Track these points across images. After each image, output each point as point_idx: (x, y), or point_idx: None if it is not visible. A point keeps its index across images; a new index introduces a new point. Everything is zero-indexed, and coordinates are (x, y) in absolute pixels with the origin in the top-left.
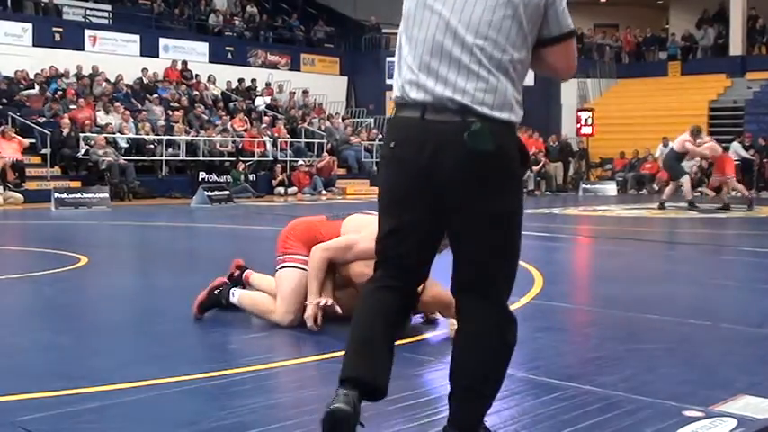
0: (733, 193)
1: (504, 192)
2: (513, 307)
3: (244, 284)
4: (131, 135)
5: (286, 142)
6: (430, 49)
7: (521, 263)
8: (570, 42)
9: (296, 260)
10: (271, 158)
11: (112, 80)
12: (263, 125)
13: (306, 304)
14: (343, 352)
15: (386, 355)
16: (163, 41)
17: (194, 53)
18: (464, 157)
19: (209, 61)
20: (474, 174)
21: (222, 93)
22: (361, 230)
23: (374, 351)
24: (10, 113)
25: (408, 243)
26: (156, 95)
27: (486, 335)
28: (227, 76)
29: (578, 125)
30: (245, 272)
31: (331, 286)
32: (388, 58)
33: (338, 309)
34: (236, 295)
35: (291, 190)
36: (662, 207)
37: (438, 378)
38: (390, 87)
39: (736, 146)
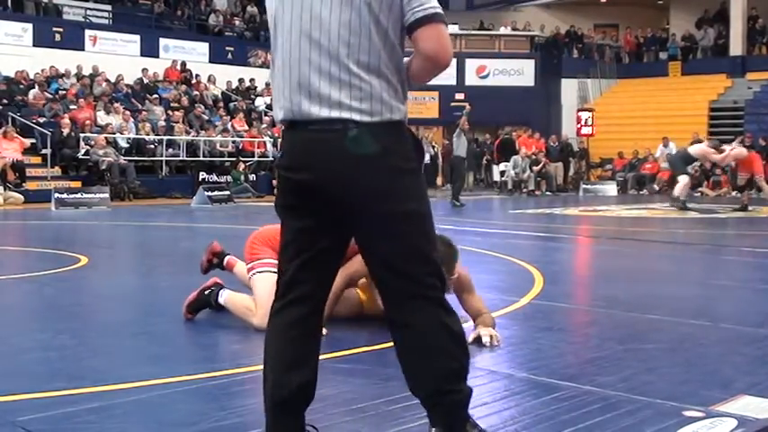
0: (754, 194)
1: (400, 190)
2: (513, 307)
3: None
4: (131, 135)
5: None
6: (297, 63)
7: (521, 263)
8: (436, 26)
9: (267, 264)
10: (271, 158)
11: (113, 80)
12: (264, 125)
13: None
14: (344, 352)
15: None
16: (163, 41)
17: (194, 53)
18: (349, 162)
19: (210, 61)
20: (363, 177)
21: (222, 93)
22: None
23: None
24: (10, 113)
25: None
26: (156, 95)
27: (433, 336)
28: (227, 76)
29: (578, 125)
30: (227, 258)
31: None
32: None
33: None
34: (224, 296)
35: None
36: (684, 208)
37: None
38: None
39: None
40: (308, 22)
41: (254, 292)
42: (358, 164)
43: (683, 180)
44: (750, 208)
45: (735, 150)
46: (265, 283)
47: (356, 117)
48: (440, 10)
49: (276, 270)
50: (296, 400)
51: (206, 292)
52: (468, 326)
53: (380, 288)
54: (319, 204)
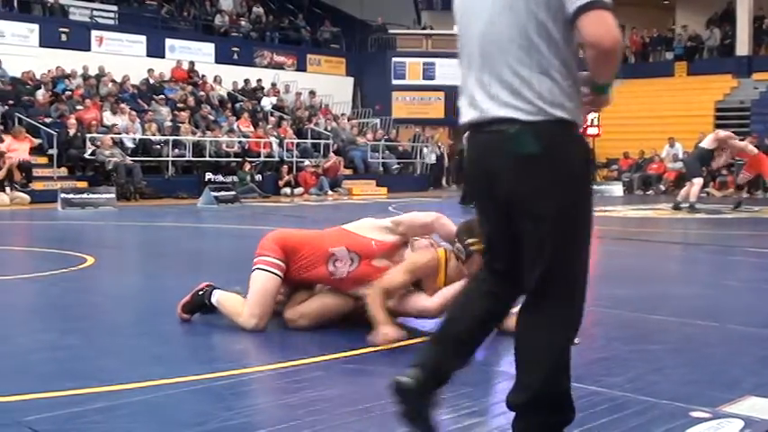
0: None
1: (554, 192)
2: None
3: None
4: (138, 135)
5: (292, 143)
6: (473, 66)
7: None
8: (596, 11)
9: (266, 262)
10: (277, 159)
11: (119, 80)
12: (269, 125)
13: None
14: (351, 352)
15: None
16: (169, 42)
17: (200, 54)
18: (510, 160)
19: (216, 62)
20: (521, 176)
21: (228, 93)
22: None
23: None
24: (17, 114)
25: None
26: (162, 96)
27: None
28: (233, 76)
29: (584, 125)
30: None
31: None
32: (395, 59)
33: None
34: (216, 296)
35: (298, 190)
36: (695, 210)
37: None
38: (395, 87)
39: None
40: (481, 26)
41: (250, 287)
42: (518, 162)
43: (698, 183)
44: (744, 207)
45: (749, 146)
46: (258, 283)
47: (519, 116)
48: None
49: (274, 271)
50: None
51: (199, 293)
52: None
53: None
54: (490, 199)
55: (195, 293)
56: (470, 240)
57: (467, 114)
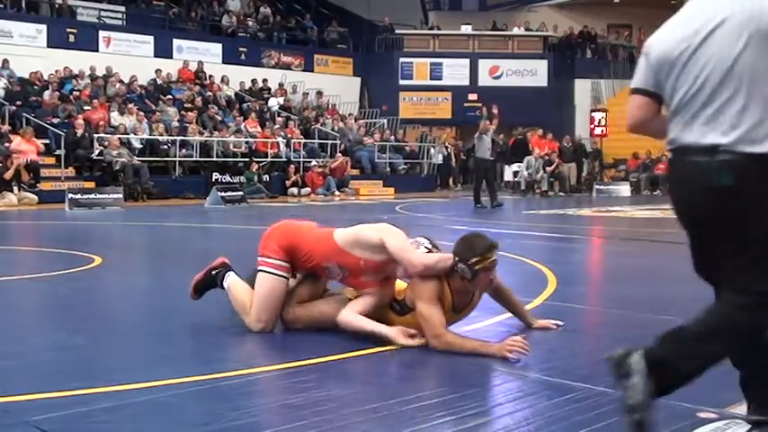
0: None
1: (746, 224)
2: (526, 308)
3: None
4: (145, 136)
5: (299, 143)
6: (694, 93)
7: (534, 264)
8: None
9: (271, 264)
10: (284, 159)
11: (126, 81)
12: (276, 126)
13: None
14: (356, 353)
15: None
16: (176, 42)
17: (208, 54)
18: (705, 190)
19: (223, 62)
20: (714, 205)
21: (236, 93)
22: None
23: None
24: (24, 114)
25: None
26: (169, 96)
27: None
28: (240, 76)
29: (592, 126)
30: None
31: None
32: (402, 59)
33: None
34: (228, 281)
35: (305, 190)
36: None
37: (448, 378)
38: (403, 88)
39: None
40: (706, 57)
41: (255, 290)
42: (713, 192)
43: None
44: None
45: None
46: (264, 287)
47: (723, 147)
48: None
49: (280, 273)
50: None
51: (213, 272)
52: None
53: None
54: (690, 223)
55: (209, 271)
56: (474, 259)
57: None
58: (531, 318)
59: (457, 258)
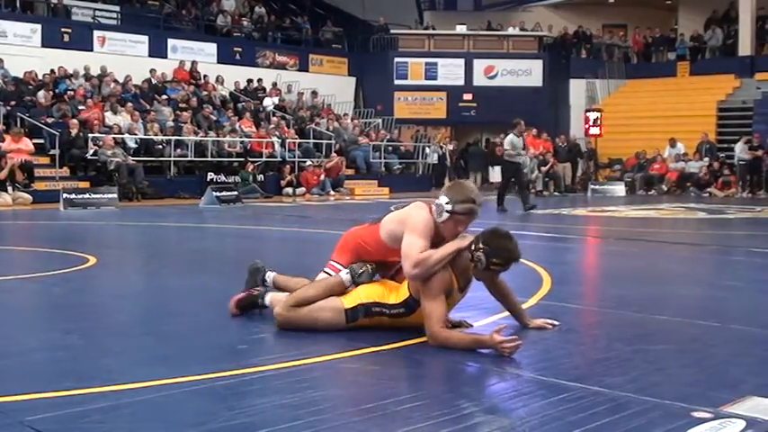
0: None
1: None
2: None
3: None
4: (140, 136)
5: (294, 143)
6: None
7: (529, 264)
8: None
9: (331, 267)
10: (279, 159)
11: (121, 81)
12: (271, 126)
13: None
14: (352, 352)
15: None
16: (171, 42)
17: (203, 54)
18: None
19: (218, 62)
20: None
21: (230, 93)
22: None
23: None
24: (19, 114)
25: None
26: (164, 96)
27: None
28: (235, 76)
29: (587, 126)
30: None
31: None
32: (397, 59)
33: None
34: (268, 298)
35: (300, 190)
36: None
37: (444, 378)
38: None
39: (740, 146)
40: None
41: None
42: None
43: None
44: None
45: None
46: (314, 283)
47: None
48: None
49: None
50: None
51: (254, 293)
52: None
53: None
54: None
55: (250, 293)
56: (496, 261)
57: None
58: (527, 318)
59: (481, 250)
